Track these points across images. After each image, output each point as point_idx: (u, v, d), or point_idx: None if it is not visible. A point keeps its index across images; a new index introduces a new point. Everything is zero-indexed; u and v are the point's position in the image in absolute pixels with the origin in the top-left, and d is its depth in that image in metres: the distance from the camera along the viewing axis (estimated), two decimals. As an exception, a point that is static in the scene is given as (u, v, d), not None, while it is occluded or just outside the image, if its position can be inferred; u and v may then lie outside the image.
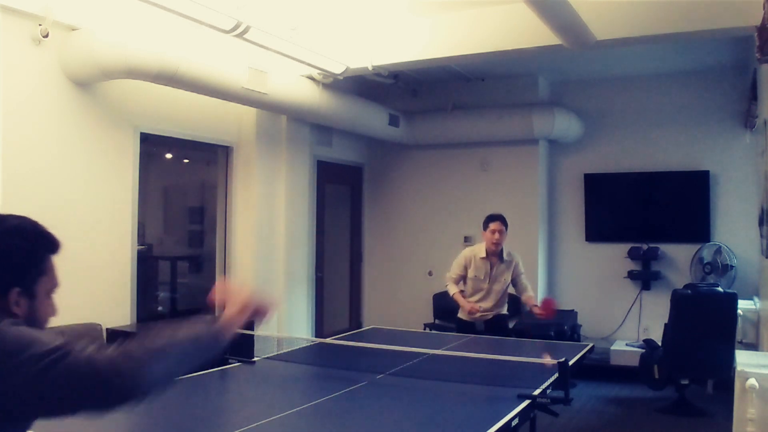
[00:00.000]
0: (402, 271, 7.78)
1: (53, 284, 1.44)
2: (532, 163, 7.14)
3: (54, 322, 3.77)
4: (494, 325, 4.95)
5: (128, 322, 4.69)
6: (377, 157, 7.93)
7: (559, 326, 6.20)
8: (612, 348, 6.48)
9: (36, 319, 1.39)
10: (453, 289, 4.95)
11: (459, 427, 2.54)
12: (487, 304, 4.93)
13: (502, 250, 4.94)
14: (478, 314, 4.87)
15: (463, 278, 4.99)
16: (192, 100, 5.16)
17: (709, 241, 6.56)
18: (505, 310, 5.07)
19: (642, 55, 6.28)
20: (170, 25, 4.25)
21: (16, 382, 1.19)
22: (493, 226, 4.90)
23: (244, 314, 1.49)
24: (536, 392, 2.85)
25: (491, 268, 4.93)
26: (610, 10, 4.38)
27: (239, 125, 5.85)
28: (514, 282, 5.00)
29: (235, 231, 5.85)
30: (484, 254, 4.94)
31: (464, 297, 4.93)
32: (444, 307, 7.40)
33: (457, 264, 5.02)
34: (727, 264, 6.37)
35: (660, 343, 5.41)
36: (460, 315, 5.00)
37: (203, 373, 3.26)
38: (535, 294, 6.07)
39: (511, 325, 5.49)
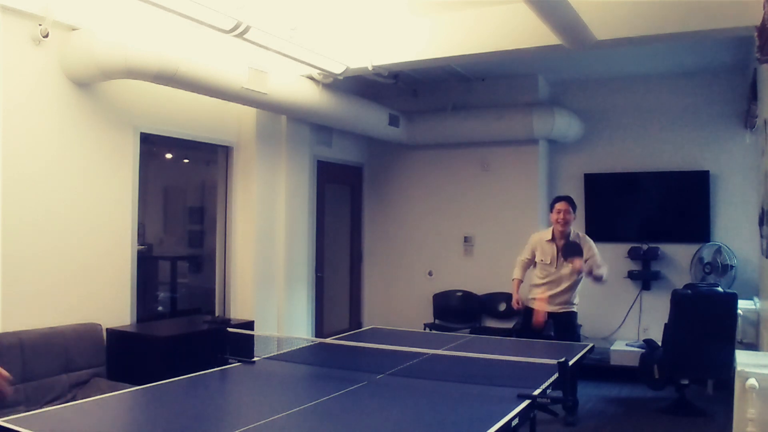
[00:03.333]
0: (402, 271, 7.78)
1: None
2: (532, 163, 7.14)
3: (54, 322, 3.79)
4: (560, 324, 4.84)
5: (128, 322, 4.68)
6: (377, 157, 7.93)
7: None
8: (612, 348, 6.49)
9: None
10: (515, 274, 5.08)
11: (459, 427, 2.54)
12: (555, 290, 4.90)
13: (569, 234, 4.90)
14: (544, 302, 4.86)
15: (533, 263, 5.04)
16: (192, 100, 5.16)
17: (709, 241, 6.56)
18: (574, 306, 4.97)
19: (642, 55, 6.28)
20: (170, 25, 4.25)
21: None
22: (558, 206, 4.91)
23: None
24: (536, 392, 2.86)
25: (557, 252, 4.91)
26: (610, 10, 4.38)
27: (239, 125, 5.85)
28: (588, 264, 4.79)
29: (235, 231, 5.86)
30: (549, 237, 4.95)
31: (536, 283, 4.96)
32: (444, 307, 7.41)
33: (526, 247, 5.09)
34: (727, 264, 6.37)
35: (660, 343, 5.40)
36: (531, 304, 5.01)
37: (203, 373, 3.27)
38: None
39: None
